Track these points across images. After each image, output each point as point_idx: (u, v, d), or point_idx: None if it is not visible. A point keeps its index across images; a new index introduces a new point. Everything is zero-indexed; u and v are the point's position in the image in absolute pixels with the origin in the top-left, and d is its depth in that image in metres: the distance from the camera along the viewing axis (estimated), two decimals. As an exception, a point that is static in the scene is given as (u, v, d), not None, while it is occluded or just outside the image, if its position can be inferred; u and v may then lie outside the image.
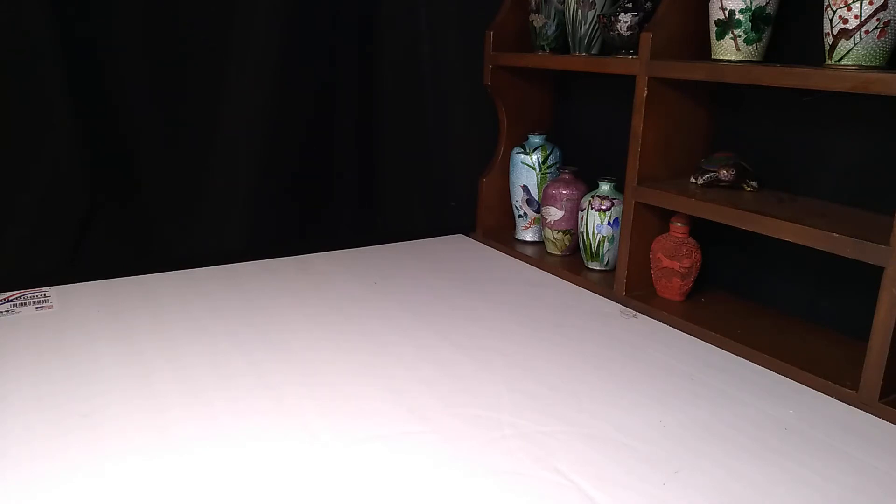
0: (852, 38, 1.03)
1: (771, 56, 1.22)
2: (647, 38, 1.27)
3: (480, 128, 1.85)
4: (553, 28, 1.59)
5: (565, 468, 0.84)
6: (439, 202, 1.94)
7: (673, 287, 1.35)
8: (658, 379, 1.08)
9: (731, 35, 1.19)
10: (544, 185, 1.64)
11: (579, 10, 1.46)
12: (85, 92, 1.47)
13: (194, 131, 1.60)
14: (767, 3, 1.16)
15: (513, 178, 1.72)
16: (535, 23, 1.60)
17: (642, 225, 1.36)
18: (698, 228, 1.33)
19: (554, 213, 1.59)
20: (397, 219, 1.92)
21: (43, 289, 1.35)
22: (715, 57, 1.23)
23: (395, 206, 1.91)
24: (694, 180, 1.33)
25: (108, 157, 1.53)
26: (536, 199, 1.69)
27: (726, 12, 1.18)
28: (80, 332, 1.17)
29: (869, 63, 1.03)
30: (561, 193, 1.57)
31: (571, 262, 1.59)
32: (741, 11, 1.16)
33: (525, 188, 1.69)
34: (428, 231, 1.83)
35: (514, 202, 1.74)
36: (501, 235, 1.79)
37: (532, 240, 1.74)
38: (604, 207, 1.47)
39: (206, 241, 1.66)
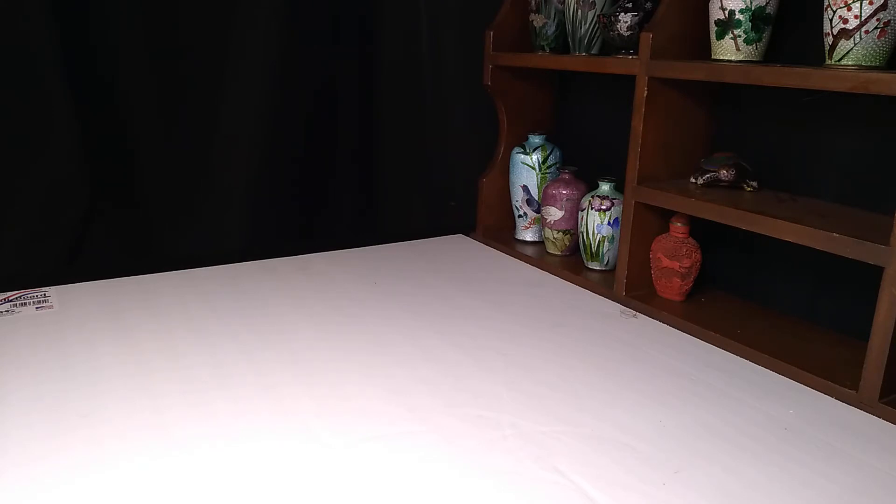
0: (852, 38, 1.03)
1: (771, 56, 1.22)
2: (647, 38, 1.27)
3: (480, 128, 1.85)
4: (553, 28, 1.59)
5: (565, 468, 0.84)
6: (439, 202, 1.94)
7: (673, 287, 1.35)
8: (658, 379, 1.08)
9: (731, 35, 1.19)
10: (544, 185, 1.64)
11: (579, 10, 1.46)
12: (85, 92, 1.47)
13: (194, 131, 1.60)
14: (767, 3, 1.16)
15: (513, 178, 1.72)
16: (535, 23, 1.60)
17: (642, 225, 1.36)
18: (698, 228, 1.34)
19: (554, 213, 1.59)
20: (397, 219, 1.92)
21: (43, 289, 1.35)
22: (715, 57, 1.23)
23: (395, 207, 1.91)
24: (694, 180, 1.33)
25: (108, 157, 1.53)
26: (536, 199, 1.69)
27: (726, 12, 1.18)
28: (80, 332, 1.17)
29: (869, 63, 1.03)
30: (561, 193, 1.57)
31: (571, 262, 1.59)
32: (741, 11, 1.16)
33: (525, 188, 1.69)
34: (428, 231, 1.83)
35: (514, 202, 1.74)
36: (501, 235, 1.79)
37: (532, 240, 1.74)
38: (604, 207, 1.47)
39: (205, 241, 1.66)
